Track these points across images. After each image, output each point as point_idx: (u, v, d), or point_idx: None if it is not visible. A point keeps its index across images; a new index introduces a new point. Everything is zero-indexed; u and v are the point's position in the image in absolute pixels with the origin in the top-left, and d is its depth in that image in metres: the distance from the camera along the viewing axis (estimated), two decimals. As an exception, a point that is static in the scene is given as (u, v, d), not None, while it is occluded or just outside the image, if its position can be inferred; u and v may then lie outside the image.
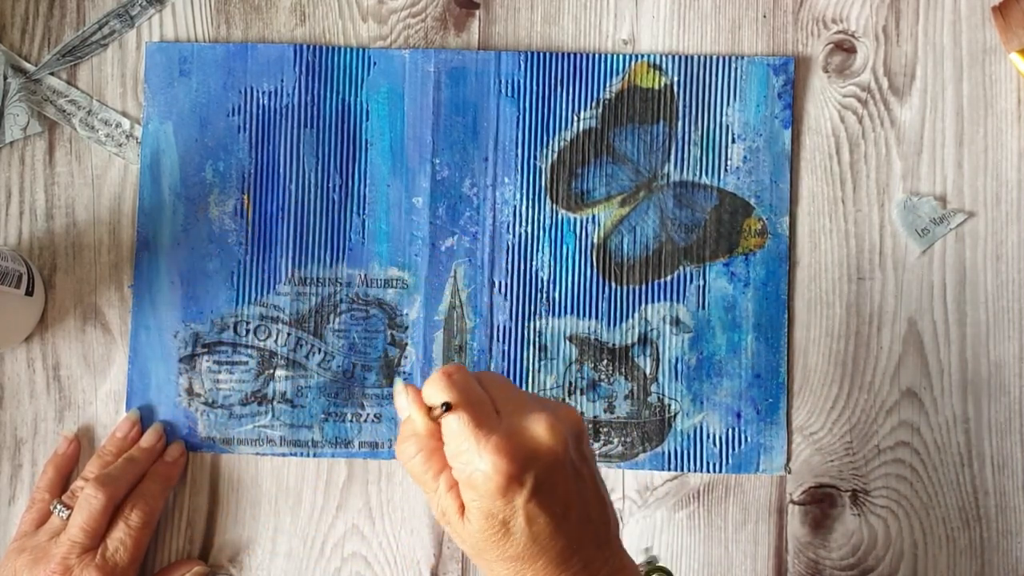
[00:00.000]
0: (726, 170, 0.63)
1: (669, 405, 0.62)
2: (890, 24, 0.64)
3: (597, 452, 0.62)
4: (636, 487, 0.62)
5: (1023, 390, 0.62)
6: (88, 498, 0.57)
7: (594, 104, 0.64)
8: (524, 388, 0.62)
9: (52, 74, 0.64)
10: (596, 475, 0.46)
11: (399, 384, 0.46)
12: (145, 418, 0.63)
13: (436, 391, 0.44)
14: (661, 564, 0.48)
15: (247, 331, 0.63)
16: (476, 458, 0.43)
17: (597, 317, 0.63)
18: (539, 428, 0.44)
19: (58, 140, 0.64)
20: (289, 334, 0.63)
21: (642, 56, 0.64)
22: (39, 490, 0.61)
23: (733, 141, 0.63)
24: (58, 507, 0.59)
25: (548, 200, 0.64)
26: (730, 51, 0.64)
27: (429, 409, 0.45)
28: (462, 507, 0.44)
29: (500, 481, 0.42)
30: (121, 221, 0.64)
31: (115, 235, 0.64)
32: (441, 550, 0.62)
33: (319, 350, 0.63)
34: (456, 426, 0.44)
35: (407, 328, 0.63)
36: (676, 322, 0.63)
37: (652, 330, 0.63)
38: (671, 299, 0.63)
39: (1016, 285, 0.63)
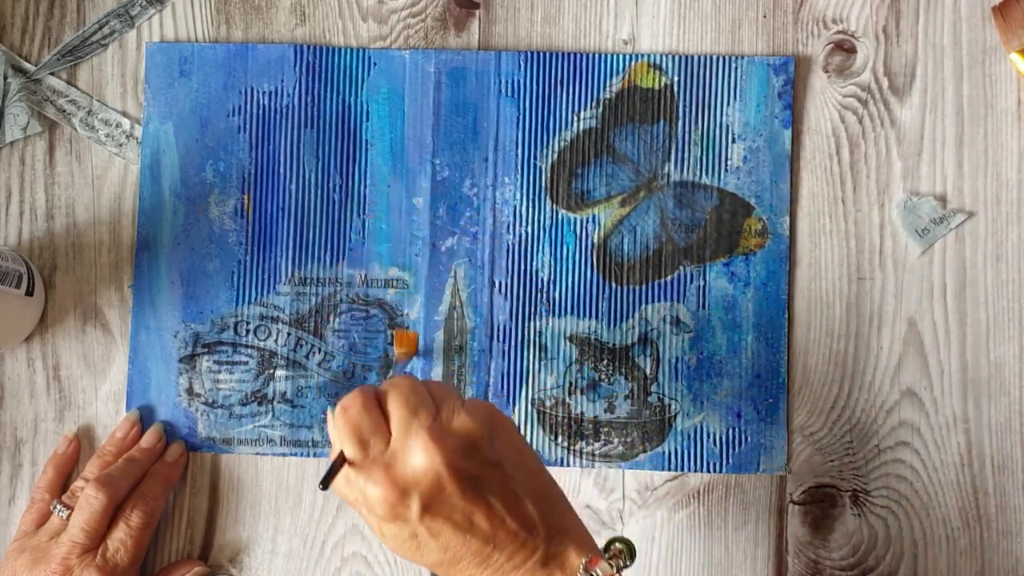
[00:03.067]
0: (726, 170, 0.63)
1: (669, 405, 0.62)
2: (890, 24, 0.64)
3: (597, 452, 0.62)
4: (636, 487, 0.62)
5: (1023, 390, 0.62)
6: (89, 498, 0.57)
7: (594, 104, 0.64)
8: (522, 387, 0.62)
9: (52, 74, 0.64)
10: (513, 470, 0.48)
11: (328, 413, 0.50)
12: (145, 418, 0.63)
13: (337, 430, 0.48)
14: (623, 536, 0.49)
15: (247, 331, 0.63)
16: (365, 492, 0.47)
17: (597, 317, 0.63)
18: (415, 454, 0.47)
19: (58, 140, 0.64)
20: (289, 334, 0.63)
21: (642, 56, 0.64)
22: (39, 490, 0.61)
23: (733, 141, 0.63)
24: (58, 507, 0.59)
25: (548, 200, 0.64)
26: (730, 51, 0.64)
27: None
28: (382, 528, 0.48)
29: (385, 508, 0.46)
30: (121, 221, 0.64)
31: (115, 235, 0.64)
32: (441, 550, 0.62)
33: (319, 350, 0.63)
34: (347, 469, 0.48)
35: (407, 328, 0.63)
36: (676, 322, 0.63)
37: (652, 330, 0.63)
38: (671, 299, 0.63)
39: (1016, 285, 0.63)
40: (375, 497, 0.46)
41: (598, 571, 0.47)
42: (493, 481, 0.48)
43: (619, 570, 0.48)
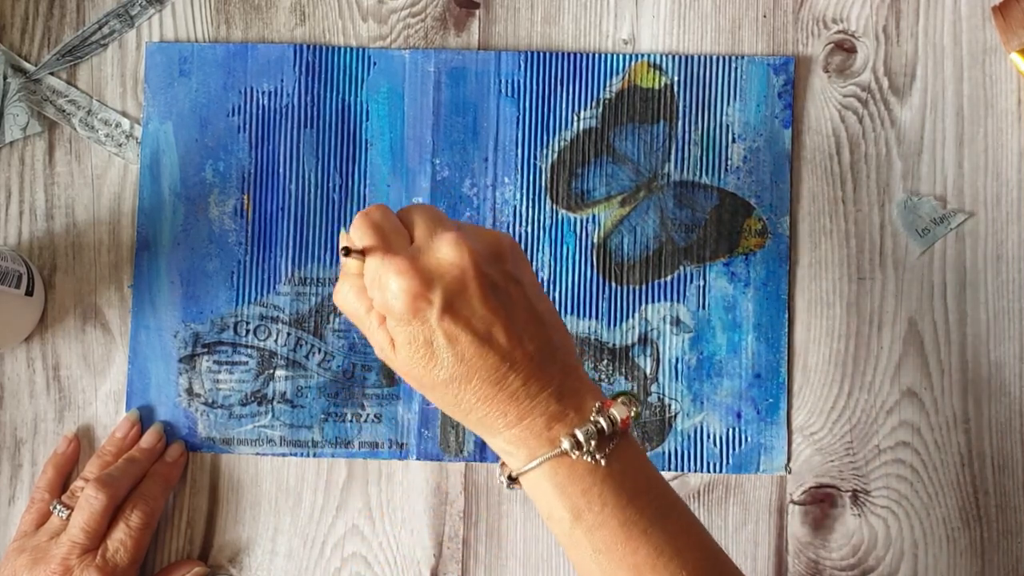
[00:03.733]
0: (726, 170, 0.63)
1: (669, 405, 0.62)
2: (890, 24, 0.64)
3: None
4: (636, 487, 0.62)
5: (1023, 390, 0.62)
6: (89, 499, 0.57)
7: (594, 104, 0.64)
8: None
9: (52, 74, 0.64)
10: (533, 296, 0.47)
11: (342, 234, 0.47)
12: (145, 418, 0.63)
13: (357, 231, 0.46)
14: (628, 391, 0.47)
15: (247, 331, 0.63)
16: (385, 283, 0.44)
17: (597, 317, 0.63)
18: (443, 246, 0.45)
19: (58, 140, 0.64)
20: (289, 334, 0.63)
21: (642, 56, 0.64)
22: (39, 490, 0.61)
23: (733, 141, 0.63)
24: (58, 507, 0.59)
25: (548, 200, 0.64)
26: (730, 51, 0.64)
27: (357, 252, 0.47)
28: (392, 339, 0.46)
29: (406, 300, 0.44)
30: (121, 221, 0.64)
31: (115, 235, 0.64)
32: (441, 550, 0.62)
33: (319, 350, 0.63)
34: (369, 259, 0.45)
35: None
36: (676, 322, 0.63)
37: (652, 330, 0.63)
38: (671, 299, 0.63)
39: (1016, 285, 0.63)
40: (397, 287, 0.44)
41: (614, 412, 0.45)
42: (514, 298, 0.46)
43: (635, 415, 0.46)
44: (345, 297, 0.47)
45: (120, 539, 0.58)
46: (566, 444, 0.45)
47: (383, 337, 0.46)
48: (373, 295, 0.45)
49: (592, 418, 0.45)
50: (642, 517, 0.45)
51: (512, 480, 0.47)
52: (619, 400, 0.46)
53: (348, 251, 0.45)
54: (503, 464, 0.47)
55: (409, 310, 0.44)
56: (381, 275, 0.45)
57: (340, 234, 0.47)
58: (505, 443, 0.46)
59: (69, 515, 0.58)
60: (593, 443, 0.45)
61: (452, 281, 0.44)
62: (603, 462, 0.45)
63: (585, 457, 0.45)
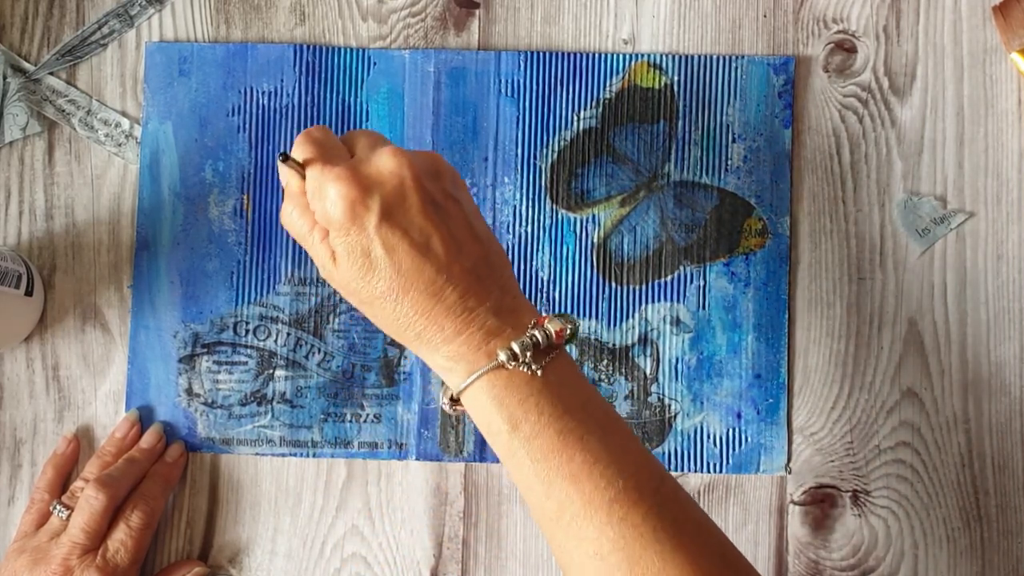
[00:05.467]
0: (726, 170, 0.63)
1: (669, 405, 0.62)
2: (891, 24, 0.64)
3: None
4: (636, 487, 0.62)
5: (1023, 390, 0.62)
6: (89, 499, 0.57)
7: (594, 104, 0.64)
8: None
9: (52, 74, 0.64)
10: (470, 214, 0.48)
11: (280, 155, 0.48)
12: (145, 418, 0.62)
13: (299, 148, 0.47)
14: (569, 315, 0.48)
15: (247, 331, 0.63)
16: (325, 192, 0.45)
17: (597, 317, 0.63)
18: (383, 157, 0.46)
19: (57, 140, 0.64)
20: (289, 334, 0.63)
21: (642, 56, 0.64)
22: (38, 491, 0.61)
23: (733, 141, 0.63)
24: (58, 508, 0.59)
25: (548, 200, 0.64)
26: (730, 51, 0.64)
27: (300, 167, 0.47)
28: (333, 253, 0.46)
29: (344, 206, 0.44)
30: (120, 221, 0.64)
31: (114, 235, 0.64)
32: (441, 551, 0.62)
33: (319, 350, 0.63)
34: (309, 170, 0.46)
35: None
36: (676, 322, 0.63)
37: (652, 330, 0.63)
38: (671, 299, 0.63)
39: (1017, 285, 0.63)
40: (336, 193, 0.45)
41: (548, 326, 0.46)
42: (452, 213, 0.47)
43: (570, 333, 0.47)
44: (290, 216, 0.47)
45: (121, 539, 0.58)
46: (503, 356, 0.45)
47: (325, 251, 0.46)
48: (315, 207, 0.46)
49: (528, 332, 0.46)
50: (579, 426, 0.45)
51: (454, 401, 0.47)
52: (555, 317, 0.47)
53: (286, 157, 0.46)
54: (444, 387, 0.48)
55: (348, 216, 0.45)
56: (321, 184, 0.45)
57: (279, 156, 0.48)
58: (444, 359, 0.47)
59: (69, 515, 0.58)
60: (529, 354, 0.46)
61: (391, 190, 0.45)
62: (539, 372, 0.46)
63: (522, 368, 0.46)
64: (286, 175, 0.48)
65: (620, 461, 0.45)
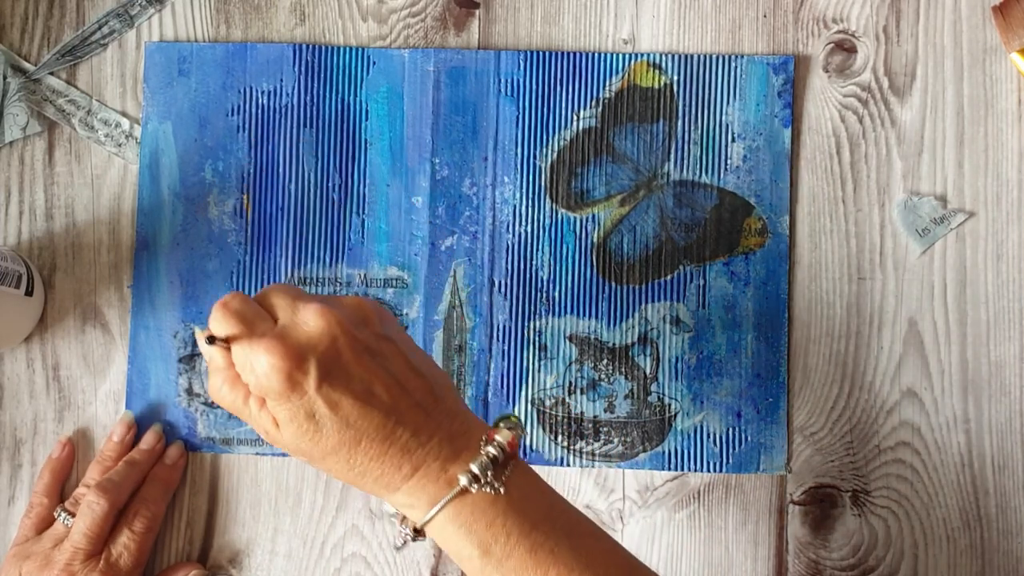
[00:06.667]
0: (726, 169, 0.63)
1: (669, 405, 0.62)
2: (890, 24, 0.64)
3: (597, 452, 0.62)
4: (636, 487, 0.62)
5: (1023, 390, 0.62)
6: (91, 504, 0.57)
7: (594, 103, 0.64)
8: (522, 387, 0.62)
9: (52, 74, 0.64)
10: (408, 349, 0.47)
11: (197, 331, 0.47)
12: (145, 418, 0.62)
13: (218, 322, 0.45)
14: (508, 414, 0.48)
15: (247, 331, 0.63)
16: (257, 366, 0.44)
17: (597, 317, 0.63)
18: (309, 317, 0.45)
19: (57, 140, 0.64)
20: (289, 334, 0.63)
21: (642, 55, 0.64)
22: (36, 495, 0.61)
23: (733, 140, 0.63)
24: (62, 514, 0.59)
25: (548, 199, 0.64)
26: (730, 50, 0.64)
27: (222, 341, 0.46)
28: (275, 419, 0.46)
29: (280, 378, 0.44)
30: (120, 221, 0.64)
31: (114, 235, 0.64)
32: (441, 551, 0.62)
33: (319, 350, 0.63)
34: (235, 347, 0.45)
35: (407, 328, 0.63)
36: (676, 321, 0.63)
37: (652, 329, 0.63)
38: (671, 298, 0.63)
39: (1017, 285, 0.63)
40: (269, 367, 0.44)
41: (498, 438, 0.46)
42: (388, 354, 0.46)
43: (517, 438, 0.47)
44: (220, 390, 0.46)
45: (123, 543, 0.58)
46: (464, 480, 0.45)
47: (266, 419, 0.46)
48: (247, 379, 0.45)
49: (483, 450, 0.46)
50: (548, 539, 0.45)
51: (417, 532, 0.47)
52: (501, 426, 0.47)
53: (212, 339, 0.45)
54: (403, 519, 0.47)
55: (286, 386, 0.44)
56: (251, 359, 0.44)
57: (195, 331, 0.47)
58: (406, 496, 0.46)
59: (73, 521, 0.58)
60: (490, 473, 0.45)
61: (324, 350, 0.44)
62: (503, 491, 0.45)
63: (485, 488, 0.45)
64: (208, 351, 0.46)
65: (593, 565, 0.45)
